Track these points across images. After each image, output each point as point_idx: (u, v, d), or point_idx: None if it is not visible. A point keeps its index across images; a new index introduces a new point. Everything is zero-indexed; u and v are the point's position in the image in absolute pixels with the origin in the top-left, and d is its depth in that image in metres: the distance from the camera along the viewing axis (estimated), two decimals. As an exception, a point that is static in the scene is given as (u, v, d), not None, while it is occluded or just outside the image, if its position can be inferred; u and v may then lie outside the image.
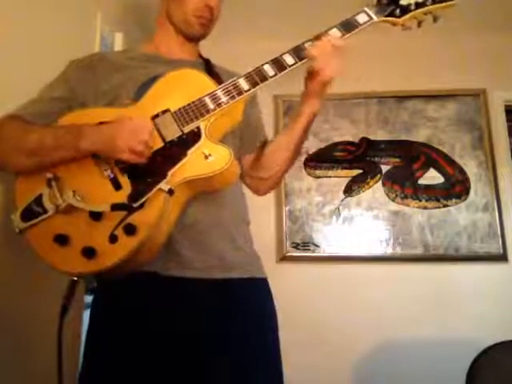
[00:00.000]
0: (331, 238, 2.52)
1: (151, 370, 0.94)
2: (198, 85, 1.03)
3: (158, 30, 1.21)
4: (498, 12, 2.44)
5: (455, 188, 2.54)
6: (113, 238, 0.88)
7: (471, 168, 2.55)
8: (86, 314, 1.56)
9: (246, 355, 0.99)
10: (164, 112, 0.98)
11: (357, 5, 1.07)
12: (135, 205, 0.90)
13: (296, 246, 2.52)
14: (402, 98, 2.66)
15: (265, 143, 1.22)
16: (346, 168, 2.62)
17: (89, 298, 1.58)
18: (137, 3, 2.15)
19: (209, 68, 1.18)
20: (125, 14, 2.08)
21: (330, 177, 2.61)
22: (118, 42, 1.94)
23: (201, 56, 1.24)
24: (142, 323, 0.96)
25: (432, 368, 2.28)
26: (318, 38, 1.04)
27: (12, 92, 1.18)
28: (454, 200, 2.52)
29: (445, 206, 2.52)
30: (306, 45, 1.04)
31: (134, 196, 0.91)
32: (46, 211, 0.92)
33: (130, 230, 0.88)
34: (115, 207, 0.90)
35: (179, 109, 0.98)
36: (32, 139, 0.96)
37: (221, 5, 1.19)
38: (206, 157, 0.95)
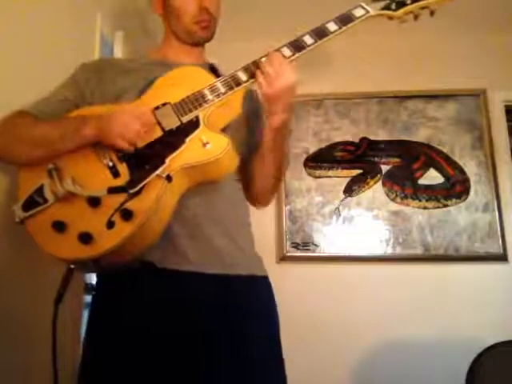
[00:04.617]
0: (331, 237, 2.52)
1: (149, 367, 0.94)
2: (198, 79, 1.05)
3: (164, 40, 1.24)
4: (498, 12, 2.44)
5: (455, 188, 2.53)
6: (110, 224, 0.89)
7: (471, 168, 2.55)
8: (86, 314, 1.56)
9: (248, 354, 0.98)
10: (164, 104, 1.01)
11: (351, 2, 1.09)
12: (132, 190, 0.90)
13: (296, 246, 2.52)
14: (402, 97, 2.66)
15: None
16: (346, 168, 2.62)
17: (88, 298, 1.58)
18: (137, 3, 2.15)
19: (213, 71, 1.19)
20: (125, 14, 2.08)
21: (330, 177, 2.60)
22: (118, 42, 1.94)
23: (208, 62, 1.25)
24: (139, 319, 0.96)
25: (432, 368, 2.27)
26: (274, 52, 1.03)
27: (13, 91, 1.19)
28: (454, 200, 2.52)
29: (445, 206, 2.51)
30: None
31: (132, 182, 0.92)
32: (46, 201, 0.94)
33: (127, 215, 0.89)
34: (112, 190, 0.91)
35: (179, 101, 1.01)
36: (38, 131, 0.99)
37: (219, 2, 1.20)
38: (204, 144, 0.97)
